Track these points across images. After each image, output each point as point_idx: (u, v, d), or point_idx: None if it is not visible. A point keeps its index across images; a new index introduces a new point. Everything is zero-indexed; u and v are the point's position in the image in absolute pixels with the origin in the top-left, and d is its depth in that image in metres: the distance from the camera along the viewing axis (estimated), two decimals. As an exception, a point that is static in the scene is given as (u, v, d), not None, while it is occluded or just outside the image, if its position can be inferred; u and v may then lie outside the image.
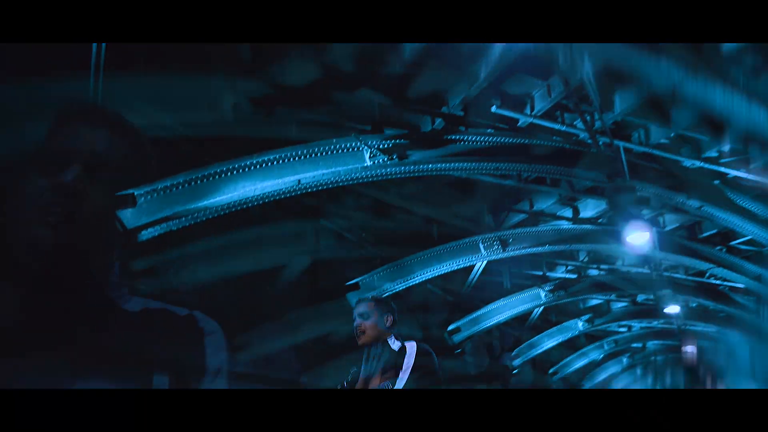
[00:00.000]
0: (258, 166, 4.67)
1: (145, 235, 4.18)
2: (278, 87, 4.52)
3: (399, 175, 5.37)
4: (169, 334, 0.96)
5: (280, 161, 4.74)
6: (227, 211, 4.59)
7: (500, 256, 7.65)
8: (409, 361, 2.81)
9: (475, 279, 8.20)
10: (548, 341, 10.93)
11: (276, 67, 4.38)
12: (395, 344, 2.90)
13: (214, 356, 0.98)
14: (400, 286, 6.95)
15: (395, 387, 2.76)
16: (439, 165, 5.46)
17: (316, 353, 6.52)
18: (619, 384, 15.81)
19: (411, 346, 2.88)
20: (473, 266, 7.96)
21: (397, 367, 2.80)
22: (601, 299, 10.99)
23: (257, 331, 5.94)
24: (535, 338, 10.74)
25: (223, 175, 4.55)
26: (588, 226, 7.86)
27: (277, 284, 6.14)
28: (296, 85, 4.60)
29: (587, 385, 14.36)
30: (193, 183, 4.42)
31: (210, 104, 4.16)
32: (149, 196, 4.17)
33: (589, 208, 7.85)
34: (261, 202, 4.73)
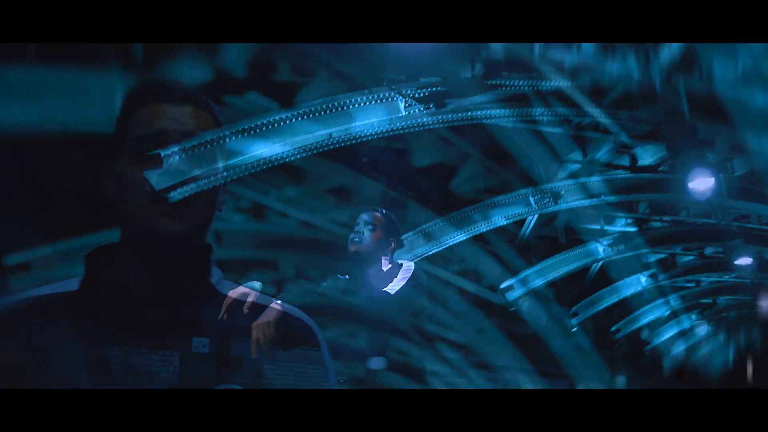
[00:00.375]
0: (288, 121, 4.54)
1: (176, 195, 4.14)
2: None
3: (438, 125, 5.13)
4: (283, 334, 0.98)
5: (311, 115, 4.59)
6: (257, 169, 4.49)
7: (552, 209, 7.34)
8: (405, 274, 2.73)
9: (527, 234, 7.92)
10: (609, 298, 10.52)
11: (167, 64, 4.23)
12: (386, 266, 2.78)
13: (330, 362, 1.04)
14: (445, 244, 6.78)
15: (388, 292, 2.68)
16: (479, 113, 5.19)
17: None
18: (687, 342, 15.22)
19: (410, 264, 2.80)
20: (524, 221, 7.69)
21: (387, 280, 2.72)
22: (665, 253, 10.48)
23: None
24: (595, 295, 10.36)
25: (252, 132, 4.44)
26: (647, 175, 7.41)
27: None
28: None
29: (654, 342, 13.86)
30: (221, 141, 4.32)
31: (103, 101, 4.00)
32: (176, 156, 4.11)
33: (648, 155, 7.38)
34: (292, 158, 4.61)
